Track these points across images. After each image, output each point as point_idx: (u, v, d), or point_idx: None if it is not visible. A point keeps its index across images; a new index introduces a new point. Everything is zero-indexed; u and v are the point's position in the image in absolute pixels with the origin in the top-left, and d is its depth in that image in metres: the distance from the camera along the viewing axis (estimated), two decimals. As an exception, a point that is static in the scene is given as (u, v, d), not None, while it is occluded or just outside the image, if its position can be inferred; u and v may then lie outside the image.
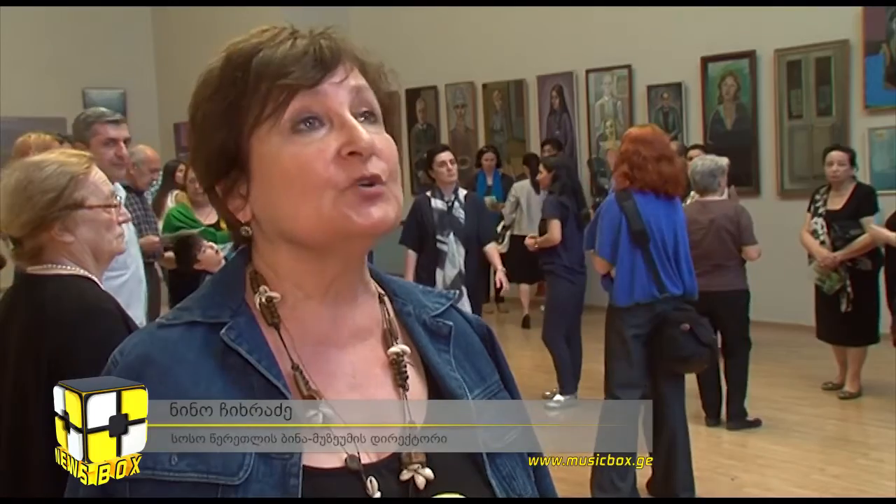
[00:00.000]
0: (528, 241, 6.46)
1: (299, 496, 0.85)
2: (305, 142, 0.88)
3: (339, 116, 0.88)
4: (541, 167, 6.84)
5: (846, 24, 7.63)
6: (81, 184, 1.98)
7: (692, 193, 5.69)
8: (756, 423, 5.49)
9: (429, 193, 5.65)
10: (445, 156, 5.59)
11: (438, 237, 5.47)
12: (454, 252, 5.48)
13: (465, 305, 4.99)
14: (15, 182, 1.95)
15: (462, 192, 5.67)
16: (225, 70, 0.90)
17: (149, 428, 0.85)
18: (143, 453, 0.85)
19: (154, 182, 6.00)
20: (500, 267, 5.69)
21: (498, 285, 5.76)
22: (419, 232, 5.54)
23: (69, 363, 1.72)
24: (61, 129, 11.98)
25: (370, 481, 0.88)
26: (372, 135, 0.89)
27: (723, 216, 5.36)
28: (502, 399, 1.03)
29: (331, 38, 0.91)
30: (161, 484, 0.84)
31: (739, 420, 5.48)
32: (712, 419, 5.51)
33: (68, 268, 1.98)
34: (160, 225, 5.30)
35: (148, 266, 5.30)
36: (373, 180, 0.88)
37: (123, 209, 2.11)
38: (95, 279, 2.02)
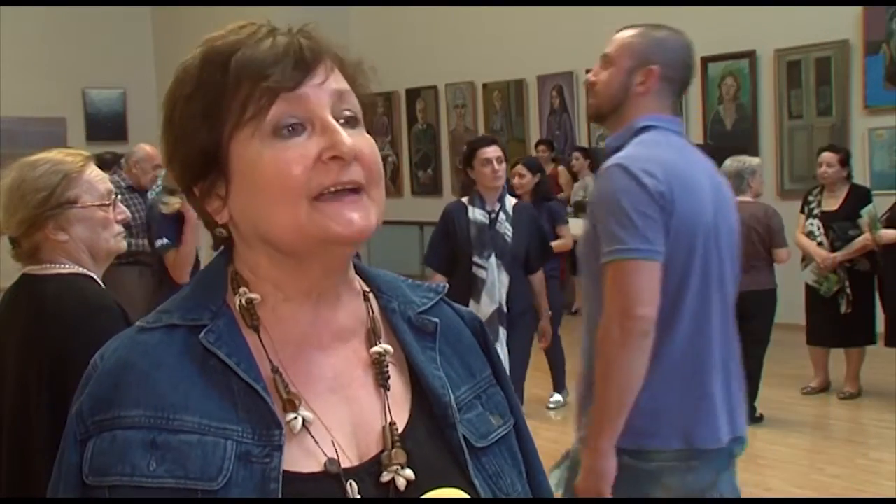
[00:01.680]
0: None
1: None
2: (286, 146, 0.86)
3: (322, 120, 0.87)
4: (522, 169, 5.85)
5: (846, 24, 7.63)
6: (75, 182, 1.97)
7: None
8: (761, 419, 5.55)
9: (466, 200, 4.42)
10: (492, 151, 4.25)
11: (475, 259, 4.20)
12: (495, 280, 4.19)
13: (503, 357, 4.01)
14: (10, 181, 1.95)
15: (510, 201, 4.39)
16: (203, 69, 0.89)
17: (127, 433, 0.85)
18: (121, 459, 0.84)
19: (158, 179, 5.98)
20: (545, 309, 4.48)
21: (541, 341, 4.56)
22: (449, 250, 4.31)
23: (70, 361, 1.71)
24: (61, 128, 11.96)
25: (350, 485, 0.87)
26: (354, 138, 0.88)
27: (751, 217, 5.37)
28: (493, 394, 1.02)
29: (310, 37, 0.90)
30: (139, 490, 0.83)
31: (749, 417, 5.50)
32: None
33: (67, 267, 1.97)
34: None
35: (150, 266, 5.31)
36: (353, 186, 0.87)
37: (122, 207, 2.10)
38: (95, 277, 2.02)
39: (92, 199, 1.99)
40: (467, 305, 3.90)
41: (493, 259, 4.20)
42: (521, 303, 4.35)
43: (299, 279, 0.92)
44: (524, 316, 4.42)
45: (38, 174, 1.94)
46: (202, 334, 0.89)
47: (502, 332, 4.24)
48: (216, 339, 0.89)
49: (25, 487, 1.82)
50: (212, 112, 0.88)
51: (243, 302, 0.92)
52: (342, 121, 0.89)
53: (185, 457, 0.84)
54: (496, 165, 4.24)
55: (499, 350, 4.17)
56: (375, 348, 0.95)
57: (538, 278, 4.49)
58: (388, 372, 0.95)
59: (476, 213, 4.27)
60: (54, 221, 1.94)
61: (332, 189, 0.86)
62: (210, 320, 0.90)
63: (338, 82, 0.90)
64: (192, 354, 0.89)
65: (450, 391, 0.96)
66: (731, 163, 5.56)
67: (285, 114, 0.86)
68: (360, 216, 0.87)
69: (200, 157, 0.90)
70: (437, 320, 1.01)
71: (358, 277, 1.00)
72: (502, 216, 4.28)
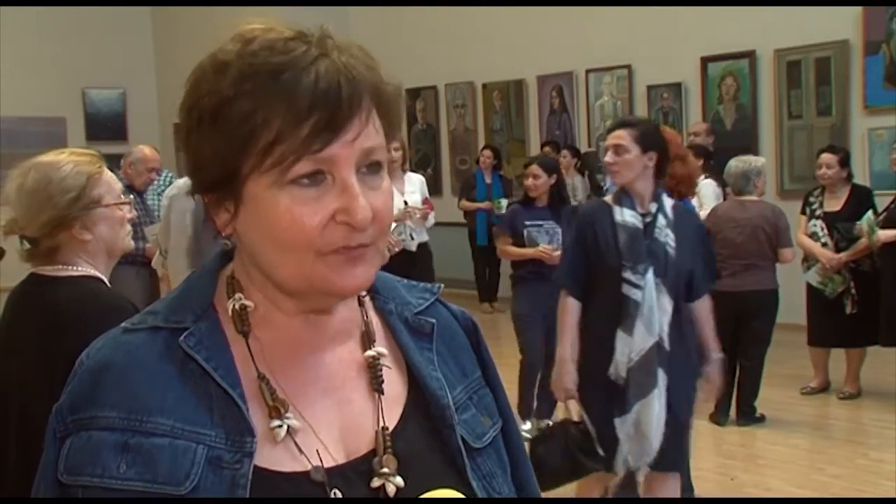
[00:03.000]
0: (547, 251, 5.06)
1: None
2: (303, 197, 0.84)
3: (343, 180, 0.84)
4: (537, 170, 5.25)
5: (846, 24, 7.63)
6: (97, 182, 2.00)
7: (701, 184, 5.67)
8: (761, 419, 5.58)
9: (609, 199, 3.33)
10: (611, 139, 3.25)
11: (626, 275, 3.13)
12: (653, 304, 3.12)
13: (660, 408, 3.16)
14: (33, 182, 1.95)
15: (668, 201, 3.27)
16: (237, 85, 0.84)
17: (101, 434, 0.85)
18: (93, 460, 0.84)
19: (153, 182, 5.95)
20: (713, 350, 3.38)
21: (705, 396, 3.44)
22: (588, 265, 3.25)
23: None
24: (61, 128, 11.94)
25: (334, 493, 0.86)
26: (372, 193, 0.86)
27: (760, 216, 5.41)
28: (484, 395, 1.02)
29: (351, 75, 0.85)
30: (109, 492, 0.83)
31: (749, 417, 5.57)
32: (722, 415, 5.57)
33: (80, 269, 1.99)
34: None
35: (147, 266, 5.32)
36: (357, 248, 0.86)
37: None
38: (103, 278, 2.03)
39: (112, 199, 2.03)
40: (611, 337, 3.15)
41: (650, 276, 3.12)
42: (683, 338, 3.23)
43: (293, 303, 0.92)
44: (689, 357, 3.28)
45: (64, 175, 1.96)
46: (182, 337, 0.89)
47: (661, 377, 3.14)
48: (196, 342, 0.89)
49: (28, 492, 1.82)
50: (235, 138, 0.84)
51: (237, 307, 0.91)
52: (365, 169, 0.86)
53: (154, 460, 0.83)
54: (609, 157, 3.24)
55: (654, 401, 3.15)
56: (369, 352, 0.95)
57: (704, 306, 3.37)
58: (381, 376, 0.95)
59: (626, 216, 3.18)
60: (81, 222, 1.97)
61: (341, 248, 0.85)
62: (192, 323, 0.90)
63: (369, 138, 0.86)
64: (172, 357, 0.88)
65: (448, 392, 0.96)
66: (735, 163, 5.55)
67: (308, 167, 0.84)
68: (361, 271, 0.87)
69: (215, 174, 0.87)
70: (433, 321, 1.01)
71: None
72: (661, 220, 3.18)
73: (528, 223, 5.17)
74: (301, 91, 0.82)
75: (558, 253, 4.69)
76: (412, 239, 5.96)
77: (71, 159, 2.00)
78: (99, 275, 2.02)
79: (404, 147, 6.14)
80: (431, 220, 6.20)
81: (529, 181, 5.23)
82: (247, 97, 0.83)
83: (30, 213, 1.95)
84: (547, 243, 5.13)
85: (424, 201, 6.10)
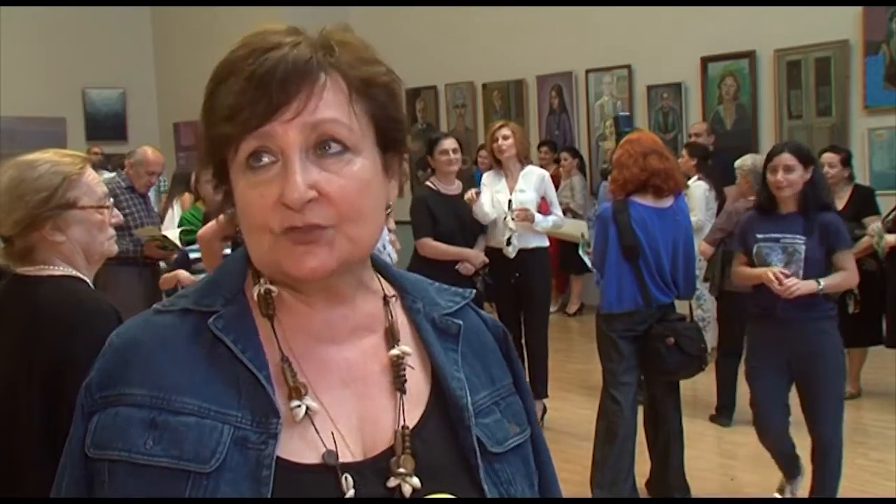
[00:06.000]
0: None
1: (270, 487, 0.85)
2: (255, 181, 0.87)
3: (287, 160, 0.85)
4: (790, 159, 3.73)
5: (846, 24, 7.63)
6: (74, 184, 1.96)
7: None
8: None
9: None
10: None
11: None
12: None
13: None
14: (8, 180, 1.94)
15: None
16: (215, 81, 0.89)
17: (129, 410, 0.87)
18: (121, 436, 0.86)
19: (153, 185, 5.92)
20: None
21: None
22: None
23: (71, 364, 1.70)
24: (61, 128, 11.89)
25: (345, 478, 0.87)
26: (324, 174, 0.86)
27: None
28: (512, 403, 1.02)
29: (309, 58, 0.86)
30: (135, 467, 0.85)
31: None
32: (725, 419, 5.56)
33: (60, 269, 1.97)
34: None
35: (150, 266, 5.33)
36: (307, 229, 0.85)
37: (116, 211, 2.10)
38: (86, 279, 2.01)
39: (90, 202, 1.99)
40: None
41: None
42: None
43: (288, 291, 0.94)
44: None
45: (38, 174, 1.94)
46: (211, 319, 0.91)
47: None
48: (224, 325, 0.91)
49: (13, 492, 1.81)
50: (212, 136, 0.90)
51: (262, 291, 0.94)
52: (320, 151, 0.86)
53: (181, 438, 0.85)
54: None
55: None
56: (393, 350, 0.96)
57: None
58: (404, 375, 0.95)
59: None
60: (52, 222, 1.94)
61: (288, 230, 0.86)
62: (222, 307, 0.92)
63: (313, 114, 0.86)
64: (201, 339, 0.90)
65: (467, 393, 0.96)
66: (755, 161, 5.44)
67: (255, 148, 0.86)
68: (314, 256, 0.86)
69: (212, 168, 0.93)
70: (460, 322, 1.01)
71: (382, 280, 1.01)
72: None
73: (760, 236, 3.85)
74: (247, 76, 0.86)
75: (792, 282, 3.65)
76: (508, 244, 5.27)
77: (51, 159, 1.97)
78: (81, 275, 1.99)
79: (516, 135, 5.42)
80: (548, 221, 5.42)
81: (778, 176, 3.75)
82: (218, 91, 0.88)
83: (2, 211, 1.93)
84: (780, 264, 3.77)
85: (542, 202, 5.46)
